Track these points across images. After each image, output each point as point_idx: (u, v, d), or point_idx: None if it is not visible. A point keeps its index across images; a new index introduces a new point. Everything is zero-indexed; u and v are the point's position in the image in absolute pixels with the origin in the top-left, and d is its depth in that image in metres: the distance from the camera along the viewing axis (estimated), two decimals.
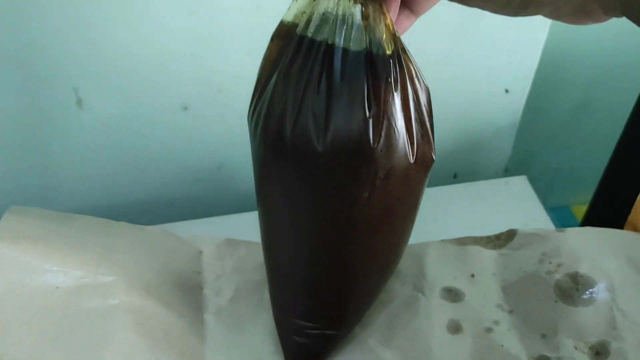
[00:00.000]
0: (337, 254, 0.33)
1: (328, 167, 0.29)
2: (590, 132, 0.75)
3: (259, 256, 0.43)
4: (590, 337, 0.39)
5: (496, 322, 0.41)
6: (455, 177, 0.62)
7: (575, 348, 0.39)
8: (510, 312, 0.42)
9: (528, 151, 0.73)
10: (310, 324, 0.38)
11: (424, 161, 0.31)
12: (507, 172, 0.65)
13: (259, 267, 0.44)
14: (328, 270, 0.35)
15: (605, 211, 0.65)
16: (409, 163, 0.30)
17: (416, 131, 0.30)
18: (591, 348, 0.39)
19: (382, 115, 0.28)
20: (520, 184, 0.52)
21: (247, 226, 0.44)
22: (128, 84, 0.48)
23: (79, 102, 0.48)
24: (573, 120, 0.74)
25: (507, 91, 0.56)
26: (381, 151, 0.28)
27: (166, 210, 0.56)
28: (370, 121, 0.28)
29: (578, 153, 0.78)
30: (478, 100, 0.56)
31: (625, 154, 0.52)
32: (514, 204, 0.50)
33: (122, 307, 0.39)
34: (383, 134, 0.28)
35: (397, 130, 0.29)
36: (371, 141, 0.28)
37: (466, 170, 0.62)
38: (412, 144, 0.29)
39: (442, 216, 0.50)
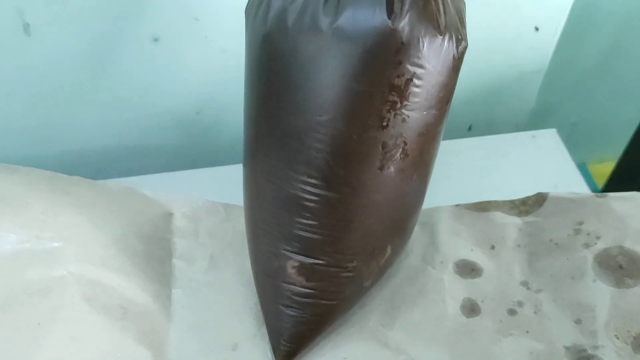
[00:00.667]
0: (339, 183, 0.29)
1: (337, 55, 0.26)
2: (619, 81, 0.68)
3: (240, 220, 0.37)
4: (636, 325, 0.33)
5: (520, 304, 0.35)
6: (470, 130, 0.55)
7: (617, 337, 0.33)
8: (538, 291, 0.35)
9: (548, 102, 0.65)
10: (301, 288, 0.31)
11: (452, 59, 0.27)
12: (518, 126, 0.58)
13: (240, 233, 0.37)
14: (324, 210, 0.29)
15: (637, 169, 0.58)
16: (434, 54, 0.26)
17: (445, 25, 0.27)
18: (636, 338, 0.32)
19: (406, 13, 0.25)
20: (549, 139, 0.45)
21: (229, 182, 0.38)
22: (84, 7, 0.40)
23: (26, 27, 0.40)
24: (600, 69, 0.67)
25: (537, 29, 0.48)
26: (402, 36, 0.25)
27: (131, 162, 0.49)
28: (391, 20, 0.25)
29: (603, 105, 0.71)
30: (502, 37, 0.48)
31: None
32: (542, 163, 0.43)
33: (70, 279, 0.32)
34: (406, 23, 0.25)
35: (424, 29, 0.26)
36: (390, 23, 0.25)
37: (483, 121, 0.55)
38: (438, 29, 0.26)
39: (457, 175, 0.43)
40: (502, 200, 0.39)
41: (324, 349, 0.34)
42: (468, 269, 0.37)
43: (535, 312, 0.35)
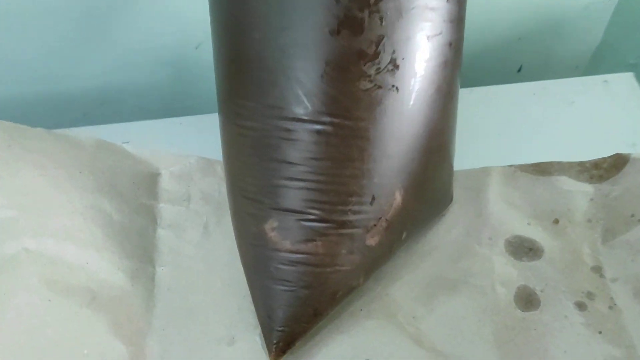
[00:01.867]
0: (316, 110, 0.24)
1: None
2: None
3: None
4: None
5: (591, 295, 0.28)
6: (520, 72, 0.47)
7: None
8: (614, 280, 0.29)
9: (613, 40, 0.56)
10: (286, 253, 0.25)
11: None
12: (577, 69, 0.49)
13: None
14: (303, 147, 0.24)
15: None
16: None
17: None
18: None
19: None
20: (624, 85, 0.36)
21: None
22: None
23: None
24: None
25: None
26: None
27: (120, 106, 0.43)
28: None
29: None
30: None
31: None
32: (616, 115, 0.35)
33: (25, 257, 0.27)
34: None
35: None
36: None
37: (536, 61, 0.46)
38: None
39: (506, 128, 0.35)
40: (568, 161, 0.31)
41: (342, 345, 0.27)
42: (524, 249, 0.30)
43: (610, 307, 0.28)
